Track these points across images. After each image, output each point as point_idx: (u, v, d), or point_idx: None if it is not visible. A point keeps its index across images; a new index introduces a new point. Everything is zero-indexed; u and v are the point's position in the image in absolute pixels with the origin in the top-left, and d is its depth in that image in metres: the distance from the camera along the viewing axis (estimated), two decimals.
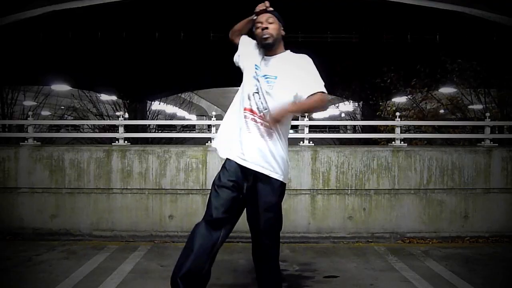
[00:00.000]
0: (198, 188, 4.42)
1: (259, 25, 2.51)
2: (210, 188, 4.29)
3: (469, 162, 4.52)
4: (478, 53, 9.13)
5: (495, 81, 9.08)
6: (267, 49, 2.53)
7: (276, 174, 2.44)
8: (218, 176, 2.53)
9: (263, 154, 2.43)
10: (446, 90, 10.92)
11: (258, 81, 2.47)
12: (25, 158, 4.48)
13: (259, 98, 2.45)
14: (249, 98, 2.48)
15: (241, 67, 2.66)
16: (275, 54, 2.53)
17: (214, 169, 4.40)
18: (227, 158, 2.56)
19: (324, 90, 2.43)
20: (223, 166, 2.56)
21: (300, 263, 3.73)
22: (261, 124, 2.43)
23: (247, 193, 2.46)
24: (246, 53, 2.62)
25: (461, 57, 9.06)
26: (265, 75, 2.48)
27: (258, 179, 2.44)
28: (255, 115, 2.45)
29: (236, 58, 2.70)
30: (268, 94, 2.43)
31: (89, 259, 3.76)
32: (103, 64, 13.89)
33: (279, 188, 2.47)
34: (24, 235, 4.42)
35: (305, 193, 4.43)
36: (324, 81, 2.44)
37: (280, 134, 2.47)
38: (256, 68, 2.52)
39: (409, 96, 10.92)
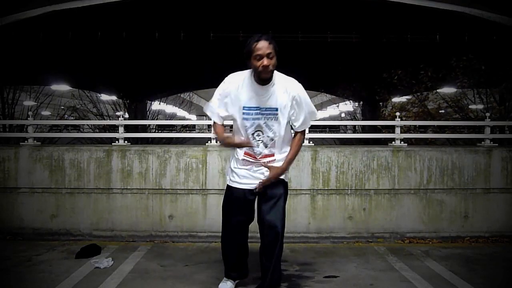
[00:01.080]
0: (198, 188, 4.43)
1: (258, 58, 2.56)
2: (210, 188, 4.37)
3: (469, 162, 4.52)
4: (478, 53, 9.12)
5: (496, 80, 9.07)
6: (262, 80, 2.65)
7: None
8: (229, 208, 2.92)
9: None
10: (448, 90, 10.91)
11: (259, 119, 2.69)
12: (25, 158, 4.49)
13: (263, 134, 2.72)
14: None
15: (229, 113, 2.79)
16: (269, 83, 2.66)
17: (214, 169, 4.41)
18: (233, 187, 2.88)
19: (306, 128, 2.84)
20: (230, 194, 2.90)
21: (300, 263, 3.73)
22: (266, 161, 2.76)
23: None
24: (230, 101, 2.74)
25: (461, 57, 9.07)
26: (265, 108, 2.67)
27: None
28: (255, 158, 2.75)
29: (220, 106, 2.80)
30: (274, 126, 2.70)
31: (89, 259, 3.76)
32: (103, 64, 13.86)
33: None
34: (24, 235, 4.42)
35: (305, 193, 4.43)
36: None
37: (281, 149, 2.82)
38: (251, 109, 2.68)
39: (414, 95, 10.85)
